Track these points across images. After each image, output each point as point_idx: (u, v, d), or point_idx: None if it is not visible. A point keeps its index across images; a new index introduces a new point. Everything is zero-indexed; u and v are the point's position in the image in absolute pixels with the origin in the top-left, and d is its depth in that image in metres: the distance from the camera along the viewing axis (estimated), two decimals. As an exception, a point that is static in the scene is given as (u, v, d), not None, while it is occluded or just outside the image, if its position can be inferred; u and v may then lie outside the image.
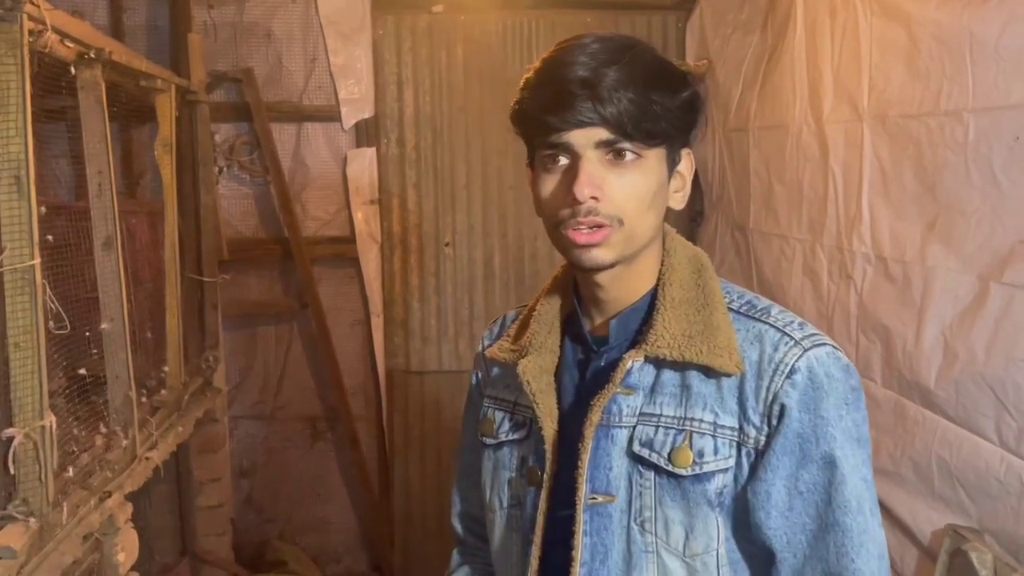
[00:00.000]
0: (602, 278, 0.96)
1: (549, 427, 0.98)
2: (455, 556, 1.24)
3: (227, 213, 3.30)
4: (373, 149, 3.35)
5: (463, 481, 1.20)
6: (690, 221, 3.51)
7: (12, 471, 1.49)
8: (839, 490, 0.88)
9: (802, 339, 0.91)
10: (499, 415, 1.08)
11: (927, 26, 1.82)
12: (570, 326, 1.04)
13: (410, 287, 3.45)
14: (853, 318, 2.15)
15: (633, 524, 0.93)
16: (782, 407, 0.89)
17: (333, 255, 3.40)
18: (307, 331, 3.42)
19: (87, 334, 1.93)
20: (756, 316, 0.94)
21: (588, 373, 0.99)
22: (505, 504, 1.04)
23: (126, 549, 1.92)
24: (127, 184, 3.11)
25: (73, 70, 1.87)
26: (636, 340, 0.96)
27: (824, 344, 0.91)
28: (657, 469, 0.92)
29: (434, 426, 3.48)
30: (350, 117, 3.32)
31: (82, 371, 1.88)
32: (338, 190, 3.38)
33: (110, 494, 1.86)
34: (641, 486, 0.93)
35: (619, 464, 0.93)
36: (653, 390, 0.94)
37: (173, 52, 3.11)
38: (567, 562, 0.94)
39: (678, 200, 0.98)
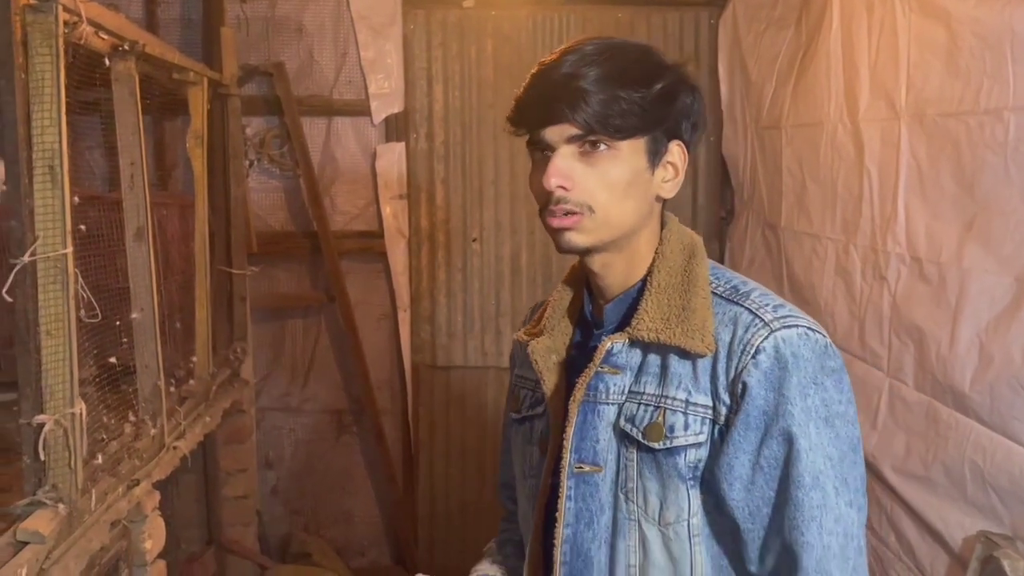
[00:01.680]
0: (595, 265, 1.04)
1: (553, 403, 1.07)
2: (501, 525, 1.34)
3: (256, 206, 3.32)
4: (402, 144, 3.36)
5: (504, 456, 1.30)
6: (720, 219, 3.49)
7: (42, 457, 1.51)
8: (794, 465, 0.92)
9: (772, 320, 0.95)
10: (523, 392, 1.17)
11: (967, 23, 1.78)
12: (582, 310, 1.13)
13: (437, 282, 3.46)
14: (886, 319, 2.12)
15: (620, 494, 1.01)
16: (744, 385, 0.94)
17: (361, 249, 3.41)
18: (334, 325, 3.43)
19: (118, 323, 1.95)
20: (735, 299, 0.99)
21: (585, 354, 1.07)
22: (526, 474, 1.14)
23: (153, 537, 1.94)
24: (159, 176, 3.14)
25: (108, 62, 1.89)
26: (622, 323, 1.03)
27: (795, 325, 0.95)
28: (638, 444, 0.99)
29: (459, 421, 3.48)
30: (380, 112, 3.33)
31: (112, 360, 1.89)
32: (367, 184, 3.39)
33: (138, 482, 1.88)
34: (627, 459, 1.00)
35: (606, 438, 1.01)
36: (640, 370, 1.01)
37: (205, 46, 3.13)
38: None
39: (668, 189, 1.03)
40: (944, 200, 1.88)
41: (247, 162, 3.22)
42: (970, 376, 1.77)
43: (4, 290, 1.46)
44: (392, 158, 3.35)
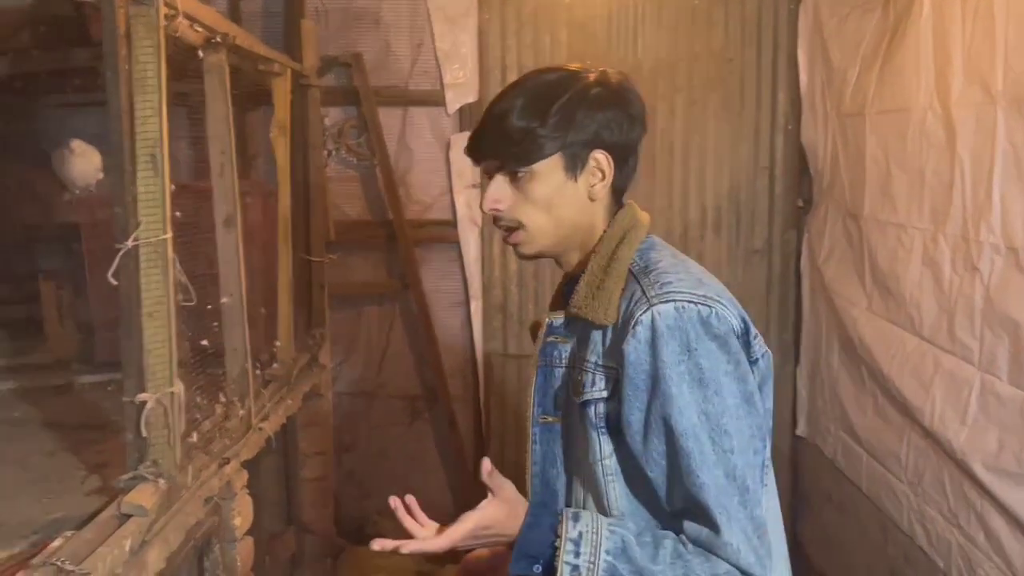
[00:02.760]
0: (558, 261, 1.25)
1: (532, 368, 1.26)
2: None
3: (334, 195, 3.39)
4: (476, 134, 3.37)
5: None
6: (798, 208, 3.42)
7: (144, 434, 1.57)
8: (678, 421, 1.06)
9: (652, 296, 1.09)
10: None
11: (1073, 2, 1.70)
12: None
13: (508, 272, 3.48)
14: (978, 311, 2.05)
15: (568, 440, 1.21)
16: (622, 352, 1.09)
17: (435, 238, 3.46)
18: (408, 312, 3.49)
19: (209, 307, 2.02)
20: (639, 277, 1.13)
21: None
22: None
23: (242, 514, 2.00)
24: (241, 166, 3.22)
25: (201, 54, 1.94)
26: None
27: (671, 300, 1.08)
28: (572, 399, 1.17)
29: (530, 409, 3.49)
30: (454, 102, 3.35)
31: (204, 343, 1.96)
32: (441, 174, 3.42)
33: (228, 461, 1.94)
34: (571, 411, 1.19)
35: (560, 395, 1.21)
36: (579, 339, 1.19)
37: (286, 38, 3.20)
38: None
39: (597, 192, 1.18)
40: (1044, 188, 1.81)
41: (326, 152, 3.29)
42: (1071, 370, 1.71)
43: (110, 274, 1.52)
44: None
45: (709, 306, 1.08)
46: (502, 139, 1.15)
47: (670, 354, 1.06)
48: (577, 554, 1.07)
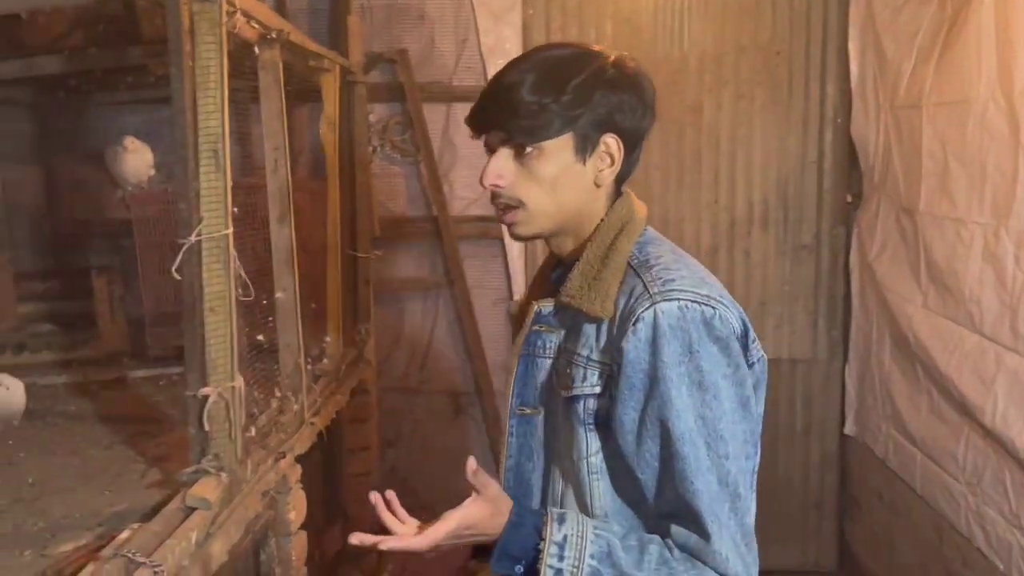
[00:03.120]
0: (550, 245, 1.20)
1: (513, 358, 1.23)
2: None
3: (378, 191, 3.39)
4: (520, 129, 3.36)
5: None
6: (847, 204, 3.36)
7: (206, 428, 1.58)
8: (676, 424, 1.03)
9: (655, 293, 1.05)
10: None
11: None
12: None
13: (553, 267, 3.45)
14: (1045, 308, 2.00)
15: (549, 433, 1.18)
16: (621, 349, 1.05)
17: (478, 234, 3.45)
18: (452, 308, 3.48)
19: (265, 302, 2.03)
20: (639, 271, 1.10)
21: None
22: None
23: (296, 508, 2.01)
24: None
25: (257, 50, 1.95)
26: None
27: (676, 299, 1.04)
28: (558, 392, 1.14)
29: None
30: (498, 97, 3.33)
31: (260, 338, 1.97)
32: (485, 170, 3.41)
33: (284, 455, 1.95)
34: (554, 404, 1.16)
35: (542, 386, 1.18)
36: (568, 330, 1.15)
37: (332, 34, 3.21)
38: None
39: (604, 177, 1.14)
40: (1119, 180, 1.75)
41: (371, 148, 3.29)
42: None
43: (173, 268, 1.53)
44: (510, 143, 3.36)
45: (712, 307, 1.05)
46: (512, 111, 1.09)
47: (671, 354, 1.03)
48: (561, 557, 1.04)
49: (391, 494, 1.12)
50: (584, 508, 1.13)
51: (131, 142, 2.71)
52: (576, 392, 1.11)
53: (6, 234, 3.11)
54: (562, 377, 1.13)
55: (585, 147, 1.12)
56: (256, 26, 1.91)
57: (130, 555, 1.30)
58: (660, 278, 1.07)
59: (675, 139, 3.36)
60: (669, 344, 1.03)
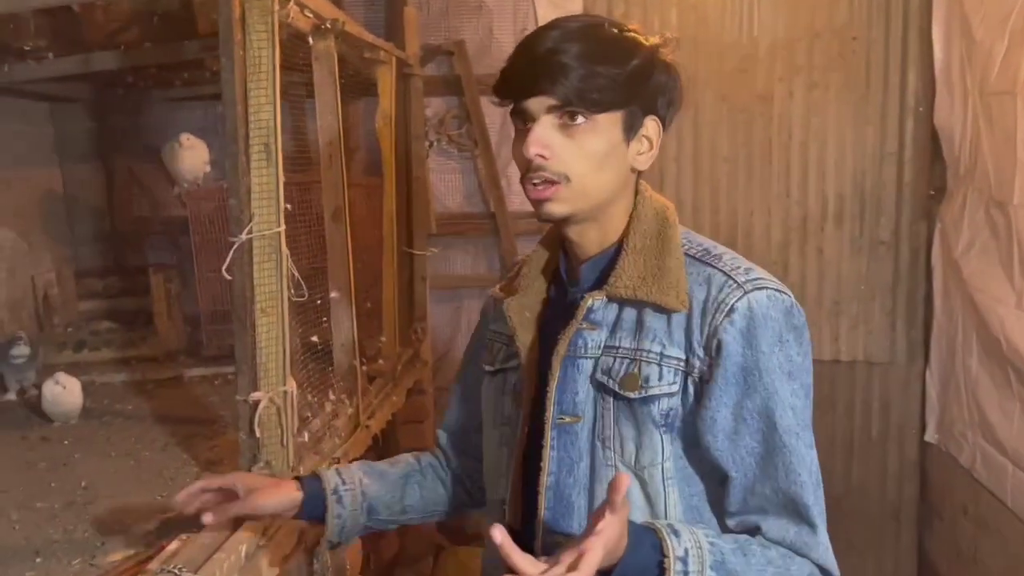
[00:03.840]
0: (571, 231, 1.10)
1: (525, 356, 1.14)
2: (423, 456, 1.42)
3: (434, 187, 3.33)
4: (580, 122, 3.25)
5: (455, 404, 1.39)
6: (928, 197, 3.17)
7: (257, 434, 1.52)
8: (782, 416, 1.01)
9: (744, 282, 1.02)
10: (497, 347, 1.23)
11: None
12: (556, 271, 1.19)
13: (613, 264, 3.34)
14: None
15: (596, 441, 1.07)
16: (720, 342, 1.01)
17: (537, 231, 3.32)
18: (509, 306, 3.39)
19: (318, 302, 1.97)
20: (708, 261, 1.06)
21: (562, 311, 1.13)
22: (497, 423, 1.20)
23: (351, 515, 1.94)
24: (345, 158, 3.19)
25: (311, 41, 1.89)
26: (600, 282, 1.10)
27: (765, 288, 1.02)
28: (614, 394, 1.06)
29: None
30: (558, 89, 3.23)
31: (314, 339, 1.91)
32: (543, 164, 3.31)
33: (338, 460, 1.88)
34: (603, 408, 1.07)
35: (584, 390, 1.08)
36: (615, 326, 1.08)
37: (388, 26, 3.15)
38: (537, 469, 1.10)
39: (642, 162, 1.08)
40: None
41: (427, 143, 3.22)
42: None
43: (224, 268, 1.47)
44: (569, 137, 3.26)
45: (789, 296, 1.04)
46: (570, 77, 1.00)
47: (768, 344, 1.01)
48: (686, 573, 0.96)
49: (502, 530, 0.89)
50: (655, 519, 1.05)
51: (187, 139, 2.68)
52: (652, 392, 1.04)
53: (67, 231, 3.12)
54: (628, 378, 1.05)
55: (632, 127, 1.06)
56: (310, 16, 1.84)
57: (177, 571, 1.24)
58: (739, 267, 1.05)
59: (744, 130, 3.21)
60: (764, 334, 1.01)
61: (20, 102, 2.87)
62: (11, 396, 2.39)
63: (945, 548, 3.14)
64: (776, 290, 1.03)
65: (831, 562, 1.03)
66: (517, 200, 3.36)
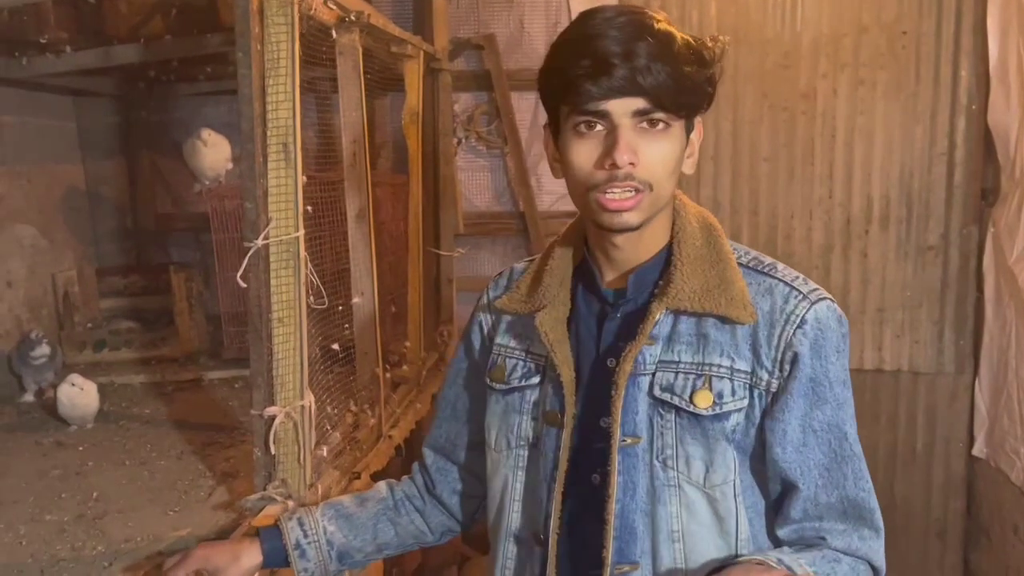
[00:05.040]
0: (620, 239, 1.03)
1: (567, 374, 1.07)
2: (404, 483, 1.36)
3: (463, 186, 3.24)
4: (614, 119, 3.15)
5: (444, 421, 1.32)
6: (979, 200, 3.02)
7: (272, 451, 1.44)
8: (850, 425, 1.02)
9: (809, 293, 1.02)
10: (510, 363, 1.15)
11: None
12: (580, 279, 1.12)
13: (647, 266, 3.23)
14: None
15: (655, 461, 1.03)
16: (795, 355, 1.00)
17: (568, 231, 3.24)
18: (538, 309, 3.29)
19: (340, 308, 1.88)
20: (765, 271, 1.04)
21: (605, 324, 1.07)
22: (513, 444, 1.13)
23: (372, 531, 1.86)
24: (370, 155, 3.11)
25: (334, 34, 1.80)
26: (654, 294, 1.05)
27: (825, 298, 1.02)
28: (678, 410, 1.02)
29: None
30: (591, 85, 3.12)
31: (335, 347, 1.82)
32: (575, 162, 3.20)
33: (359, 475, 1.80)
34: (663, 427, 1.03)
35: (643, 408, 1.04)
36: (670, 339, 1.04)
37: (416, 19, 3.06)
38: (587, 493, 1.06)
39: (689, 165, 1.05)
40: None
41: (455, 140, 3.13)
42: None
43: (239, 275, 1.39)
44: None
45: (837, 305, 1.05)
46: (662, 80, 0.93)
47: (832, 355, 1.01)
48: None
49: None
50: (725, 536, 1.04)
51: (209, 135, 2.60)
52: (727, 408, 1.01)
53: (89, 228, 3.07)
54: (698, 394, 1.01)
55: (690, 129, 1.03)
56: (333, 7, 1.75)
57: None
58: (796, 276, 1.04)
59: (786, 128, 3.08)
60: (828, 345, 1.01)
61: (44, 96, 2.82)
62: (29, 397, 2.34)
63: (993, 568, 2.99)
64: (831, 300, 1.04)
65: (884, 565, 1.05)
66: (548, 200, 3.26)
